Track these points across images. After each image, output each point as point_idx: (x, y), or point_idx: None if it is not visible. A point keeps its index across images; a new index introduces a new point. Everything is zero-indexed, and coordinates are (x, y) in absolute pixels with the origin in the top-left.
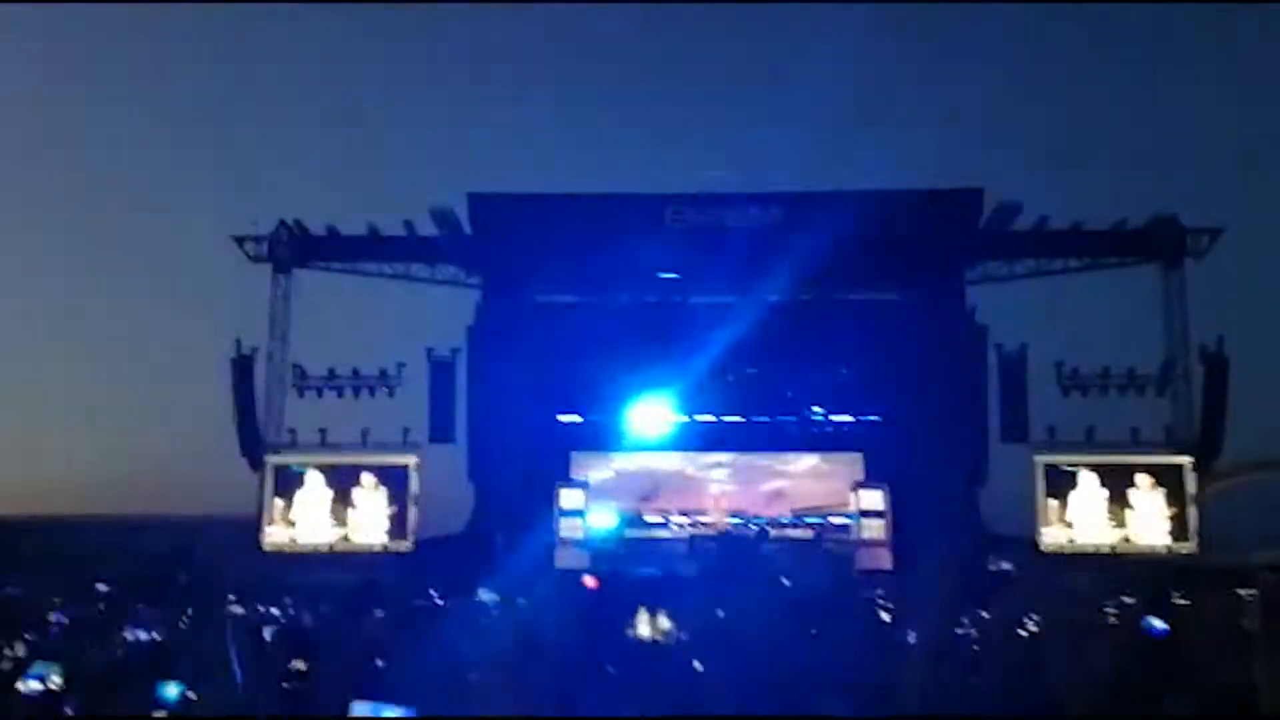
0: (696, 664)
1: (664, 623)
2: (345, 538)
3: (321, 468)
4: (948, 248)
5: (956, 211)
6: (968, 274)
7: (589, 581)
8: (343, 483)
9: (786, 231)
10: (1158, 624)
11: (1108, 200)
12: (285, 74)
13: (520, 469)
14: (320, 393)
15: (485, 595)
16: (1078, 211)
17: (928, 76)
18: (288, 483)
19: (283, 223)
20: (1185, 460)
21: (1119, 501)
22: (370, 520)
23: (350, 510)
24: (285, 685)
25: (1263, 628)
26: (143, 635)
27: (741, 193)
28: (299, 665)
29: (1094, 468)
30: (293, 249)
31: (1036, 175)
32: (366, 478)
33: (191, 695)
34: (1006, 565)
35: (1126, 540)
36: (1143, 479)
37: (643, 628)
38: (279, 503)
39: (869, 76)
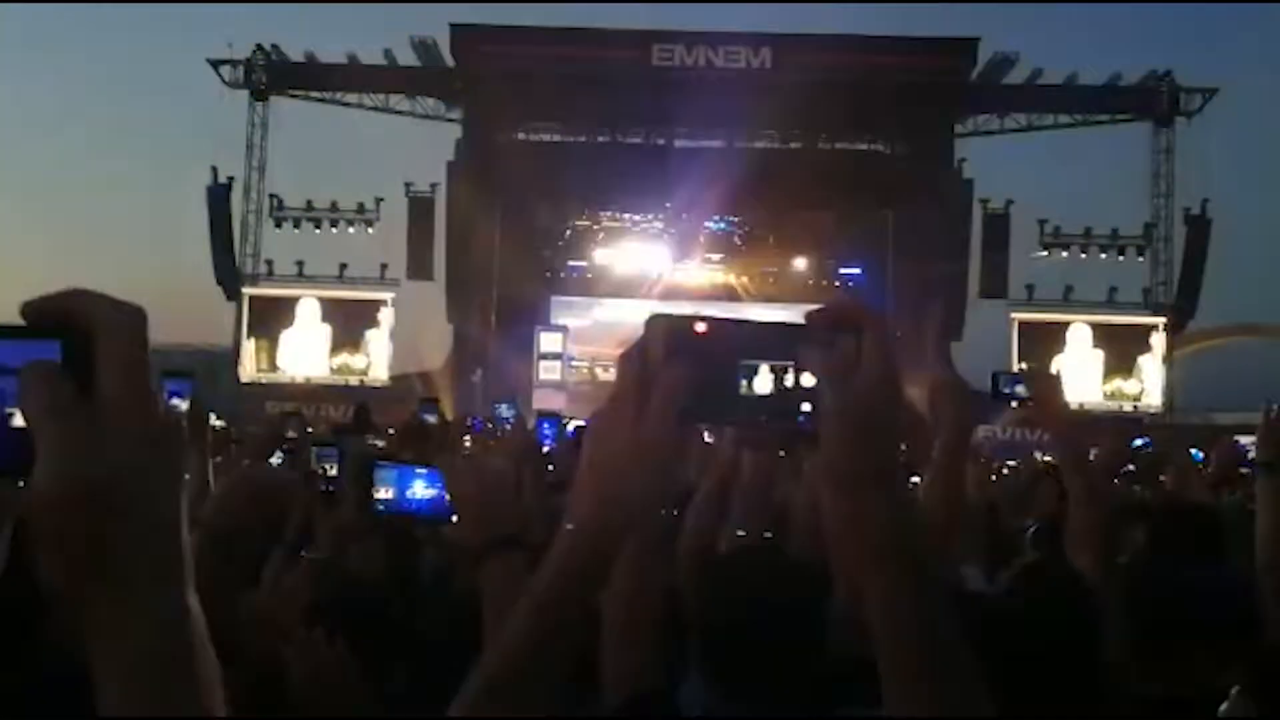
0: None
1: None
2: (340, 369)
3: (337, 301)
4: (939, 98)
5: (951, 61)
6: (958, 126)
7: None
8: (338, 316)
9: (775, 74)
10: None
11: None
12: None
13: (498, 310)
14: (298, 224)
15: (505, 410)
16: (1072, 65)
17: None
18: (273, 315)
19: (259, 47)
20: (1159, 321)
21: (1089, 360)
22: (380, 354)
23: (358, 344)
24: (324, 489)
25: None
26: None
27: (730, 31)
28: (330, 470)
29: (1070, 326)
30: (270, 75)
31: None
32: (385, 313)
33: None
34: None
35: (1098, 398)
36: (1103, 337)
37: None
38: (261, 335)
39: None
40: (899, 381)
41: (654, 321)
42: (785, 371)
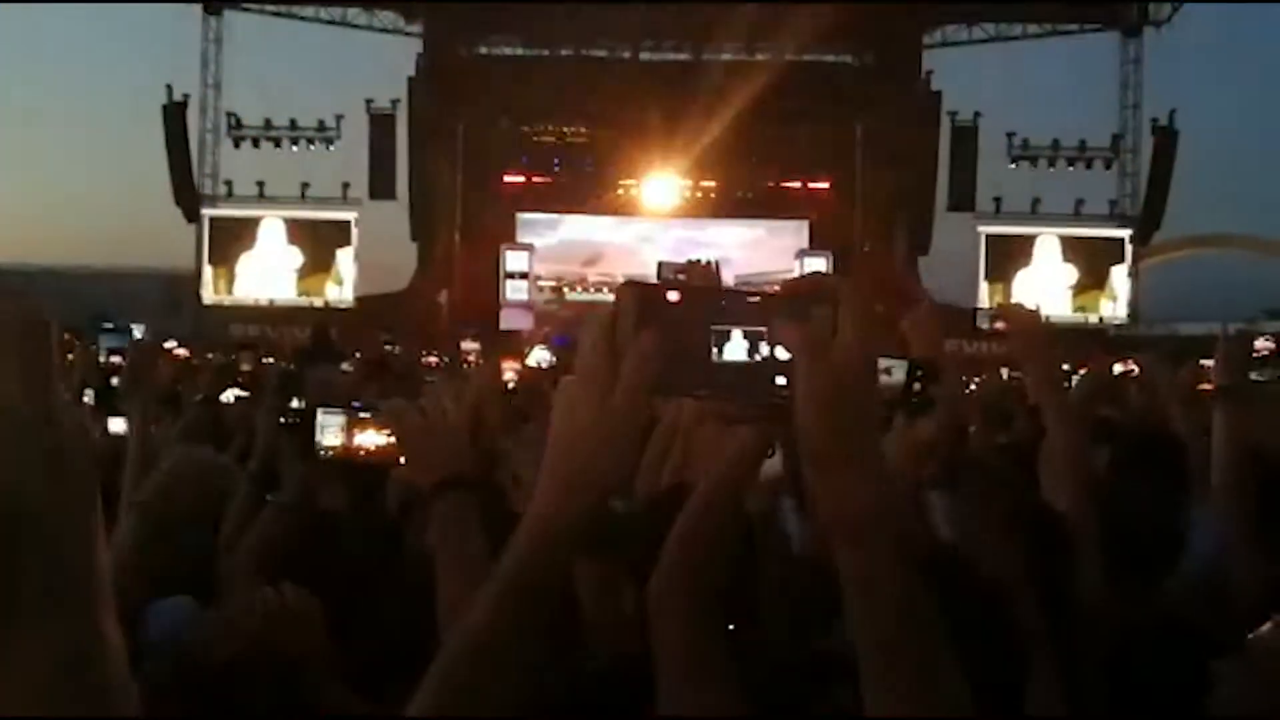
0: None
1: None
2: (306, 291)
3: (299, 222)
4: (907, 8)
5: None
6: (925, 37)
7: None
8: (306, 238)
9: None
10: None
11: None
12: None
13: (463, 229)
14: (257, 143)
15: (467, 345)
16: None
17: None
18: (235, 236)
19: None
20: (1125, 233)
21: (1057, 274)
22: (347, 276)
23: (329, 267)
24: (283, 420)
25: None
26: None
27: None
28: (294, 403)
29: (1037, 239)
30: None
31: None
32: (352, 234)
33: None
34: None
35: (1066, 312)
36: (1074, 250)
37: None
38: (223, 257)
39: None
40: (875, 356)
41: (625, 290)
42: (760, 339)
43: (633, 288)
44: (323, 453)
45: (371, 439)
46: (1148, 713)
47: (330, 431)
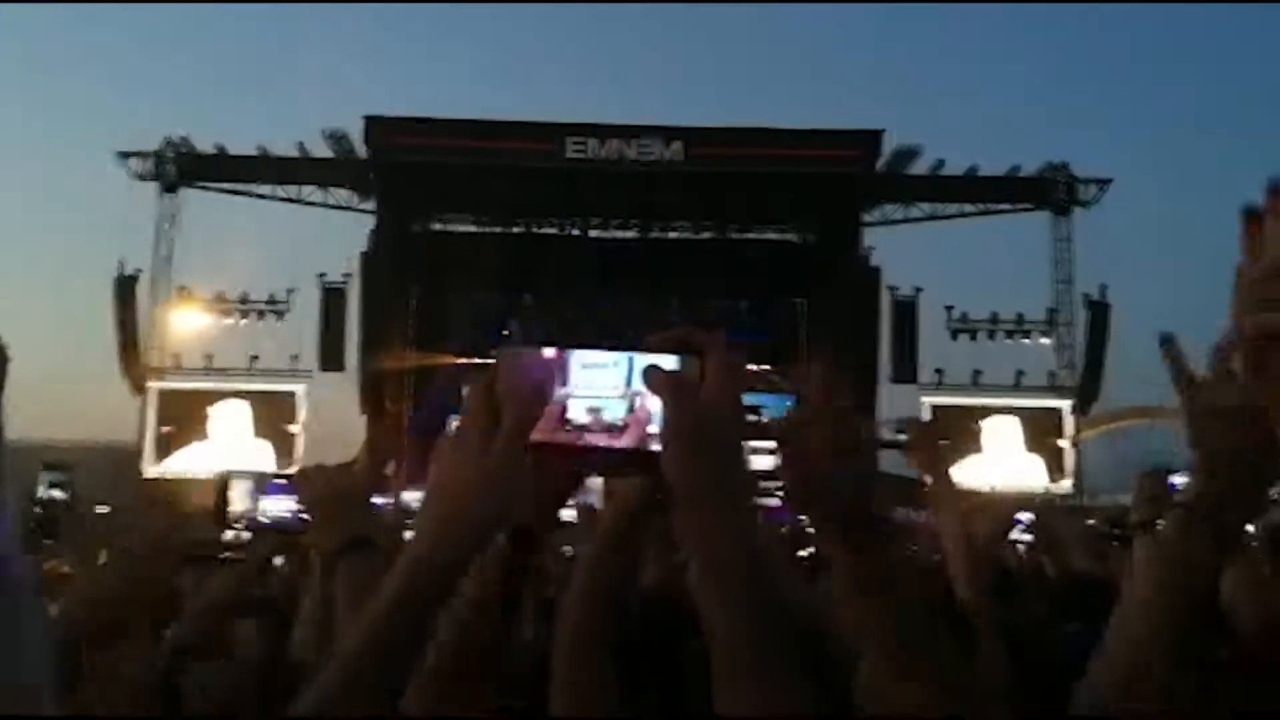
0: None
1: None
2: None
3: (247, 394)
4: (846, 188)
5: (856, 153)
6: (864, 215)
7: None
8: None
9: (687, 166)
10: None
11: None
12: None
13: (412, 400)
14: (207, 316)
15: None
16: (973, 157)
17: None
18: (187, 414)
19: (168, 140)
20: (1065, 404)
21: (1000, 444)
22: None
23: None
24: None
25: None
26: None
27: (642, 124)
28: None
29: (979, 410)
30: (179, 168)
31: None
32: (301, 408)
33: None
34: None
35: (1004, 482)
36: (1022, 422)
37: None
38: (165, 430)
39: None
40: (739, 400)
41: (502, 353)
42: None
43: (511, 352)
44: (236, 522)
45: (279, 505)
46: None
47: (238, 499)
